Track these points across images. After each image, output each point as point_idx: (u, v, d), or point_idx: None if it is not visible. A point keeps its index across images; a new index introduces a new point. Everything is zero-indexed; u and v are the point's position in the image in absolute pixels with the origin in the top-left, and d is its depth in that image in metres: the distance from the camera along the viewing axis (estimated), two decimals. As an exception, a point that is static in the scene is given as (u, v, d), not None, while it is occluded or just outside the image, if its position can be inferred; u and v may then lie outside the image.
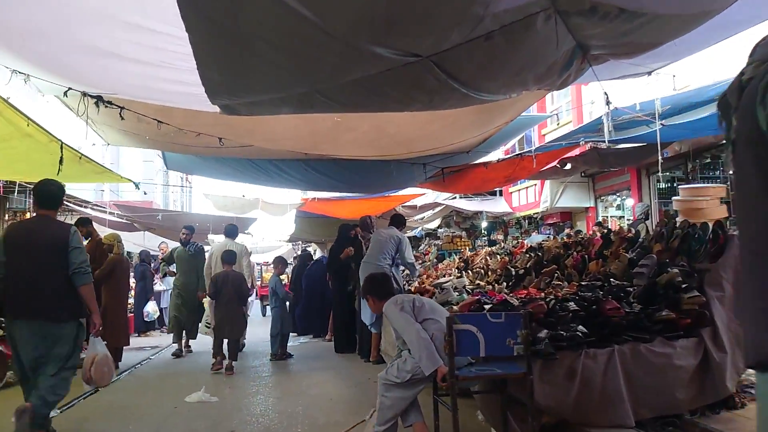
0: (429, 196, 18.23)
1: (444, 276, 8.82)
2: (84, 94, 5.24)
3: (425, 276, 9.93)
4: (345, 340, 8.18)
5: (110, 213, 16.32)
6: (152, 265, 13.65)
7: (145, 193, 19.71)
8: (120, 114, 5.63)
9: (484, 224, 18.72)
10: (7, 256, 4.24)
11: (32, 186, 13.31)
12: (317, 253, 18.96)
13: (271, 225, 16.05)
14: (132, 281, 15.84)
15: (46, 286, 4.21)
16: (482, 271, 7.37)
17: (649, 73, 6.10)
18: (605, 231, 7.05)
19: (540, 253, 6.36)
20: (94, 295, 4.49)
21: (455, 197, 17.94)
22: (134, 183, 8.60)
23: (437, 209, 16.89)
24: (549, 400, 3.58)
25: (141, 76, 3.96)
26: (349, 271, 8.38)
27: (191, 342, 9.22)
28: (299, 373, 6.96)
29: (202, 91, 4.00)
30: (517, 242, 9.77)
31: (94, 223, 12.36)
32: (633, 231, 5.66)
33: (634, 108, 7.44)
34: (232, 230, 9.48)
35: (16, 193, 13.63)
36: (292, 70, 3.80)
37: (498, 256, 7.68)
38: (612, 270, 4.79)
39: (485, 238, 18.18)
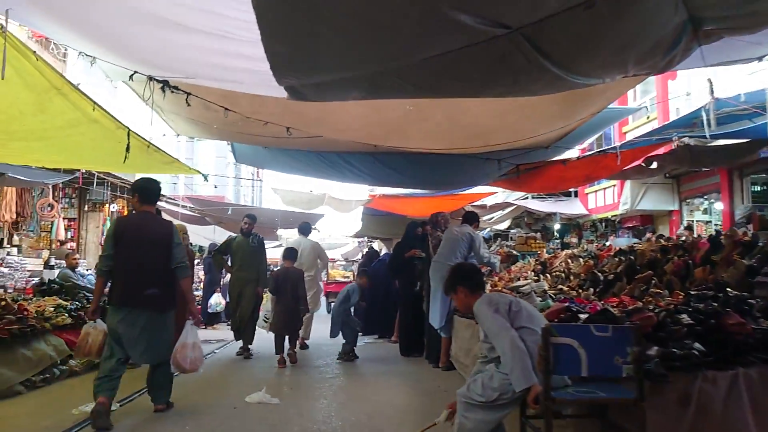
0: (499, 195, 17.53)
1: (519, 279, 8.23)
2: (150, 78, 5.02)
3: (497, 278, 9.37)
4: (412, 343, 7.72)
5: (183, 206, 16.54)
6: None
7: (215, 186, 20.03)
8: (186, 100, 5.38)
9: (556, 226, 17.82)
10: (116, 248, 4.61)
11: (108, 178, 13.52)
12: (383, 250, 18.62)
13: (338, 221, 15.82)
14: (201, 274, 16.02)
15: (155, 277, 4.61)
16: (563, 275, 6.74)
17: (760, 59, 5.32)
18: (714, 233, 6.22)
19: (632, 257, 5.68)
20: (192, 287, 5.09)
21: (527, 197, 17.15)
22: (202, 174, 8.44)
23: (508, 210, 16.17)
24: (657, 430, 2.99)
25: (203, 50, 3.63)
26: (414, 270, 7.92)
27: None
28: (364, 377, 6.56)
29: (267, 68, 3.63)
30: (603, 244, 8.98)
31: (168, 216, 12.48)
32: (749, 234, 4.91)
33: (738, 98, 6.62)
34: (305, 227, 9.68)
35: (95, 185, 13.98)
36: (363, 41, 3.37)
37: (580, 259, 7.02)
38: (725, 278, 4.11)
39: (557, 240, 17.28)
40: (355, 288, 7.76)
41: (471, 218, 7.04)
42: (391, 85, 4.36)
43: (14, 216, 11.80)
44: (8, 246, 9.10)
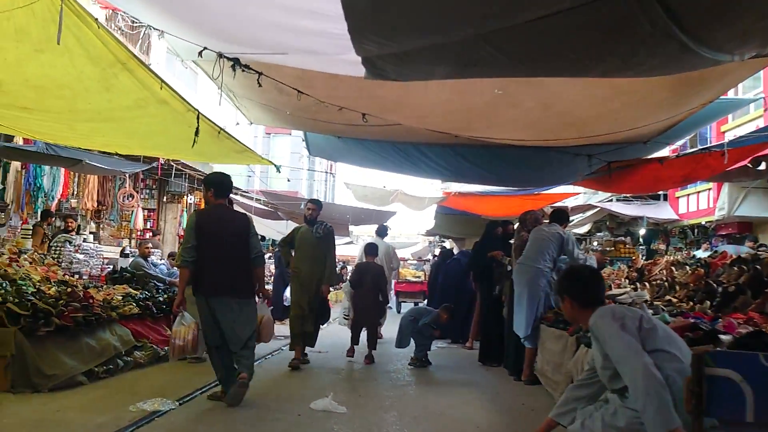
0: (579, 197, 16.47)
1: (610, 287, 7.41)
2: (220, 56, 4.63)
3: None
4: (491, 351, 7.04)
5: (256, 200, 16.47)
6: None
7: (288, 180, 19.93)
8: (258, 81, 4.95)
9: (642, 231, 16.52)
10: (199, 240, 4.72)
11: (186, 170, 13.52)
12: (454, 249, 17.92)
13: (409, 219, 15.35)
14: (273, 267, 15.85)
15: (238, 267, 4.83)
16: (665, 284, 5.90)
17: None
18: None
19: (757, 266, 4.80)
20: (264, 275, 5.31)
21: (611, 199, 16.02)
22: (275, 165, 8.11)
23: (589, 213, 15.11)
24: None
25: (273, 7, 3.15)
26: (493, 273, 7.23)
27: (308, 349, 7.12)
28: (439, 387, 5.97)
29: (345, 29, 3.10)
30: (715, 251, 7.98)
31: (241, 209, 12.36)
32: None
33: None
34: (383, 230, 10.55)
35: (173, 176, 14.07)
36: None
37: (687, 267, 6.14)
38: None
39: (642, 247, 16.01)
40: (429, 314, 7.04)
41: (560, 217, 6.29)
42: (484, 58, 3.74)
43: (95, 204, 11.96)
44: (84, 233, 9.09)
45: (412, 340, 7.07)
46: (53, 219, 10.15)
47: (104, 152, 10.15)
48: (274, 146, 25.06)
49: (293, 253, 7.07)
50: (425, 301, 12.98)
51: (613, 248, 12.16)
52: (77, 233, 8.75)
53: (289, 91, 5.43)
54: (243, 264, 4.86)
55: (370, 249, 8.06)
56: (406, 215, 14.98)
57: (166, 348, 6.59)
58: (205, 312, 4.72)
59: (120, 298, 6.53)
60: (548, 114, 5.64)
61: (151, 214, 15.33)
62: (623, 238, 14.20)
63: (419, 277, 15.61)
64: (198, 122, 5.25)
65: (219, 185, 4.99)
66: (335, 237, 7.37)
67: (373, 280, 7.42)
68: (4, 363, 4.67)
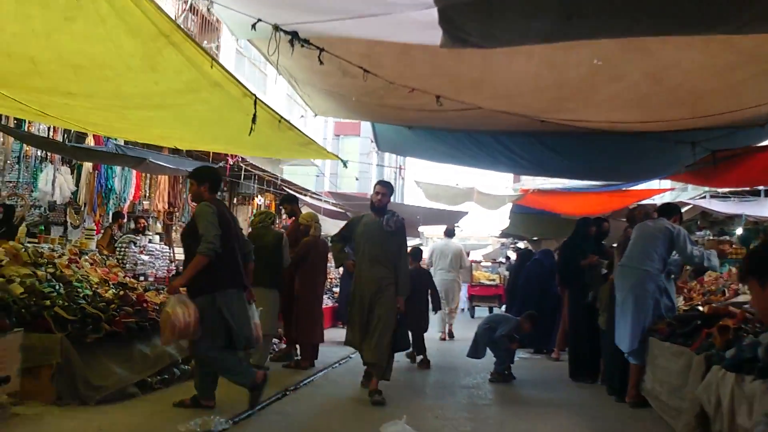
0: (666, 195, 15.05)
1: (723, 292, 6.35)
2: (276, 28, 4.03)
3: (685, 289, 7.49)
4: (583, 366, 6.12)
5: (325, 201, 16.05)
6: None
7: (357, 179, 19.50)
8: (319, 58, 4.32)
9: (738, 231, 14.87)
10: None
11: (255, 171, 13.23)
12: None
13: (481, 219, 14.53)
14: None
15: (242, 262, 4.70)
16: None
17: None
18: None
19: None
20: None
21: (704, 196, 14.51)
22: (341, 160, 7.50)
23: (684, 209, 13.67)
24: None
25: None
26: (584, 276, 6.29)
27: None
28: (526, 408, 5.15)
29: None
30: None
31: (310, 211, 11.92)
32: None
33: None
34: (451, 231, 10.65)
35: (242, 178, 13.83)
36: None
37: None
38: None
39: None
40: (507, 324, 6.18)
41: (669, 210, 5.33)
42: (594, 11, 2.95)
43: (166, 206, 11.82)
44: (150, 234, 8.83)
45: (488, 350, 6.26)
46: (124, 220, 9.97)
47: (173, 152, 9.95)
48: (343, 147, 24.75)
49: (349, 251, 5.71)
50: (503, 307, 12.05)
51: (716, 249, 10.79)
52: (143, 234, 8.48)
53: (354, 72, 4.77)
54: (243, 260, 4.75)
55: (416, 254, 7.81)
56: (477, 216, 14.18)
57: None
58: (213, 310, 4.33)
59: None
60: (657, 89, 4.72)
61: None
62: (728, 237, 12.74)
63: (494, 280, 14.68)
64: (255, 108, 4.68)
65: (214, 179, 4.71)
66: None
67: (421, 287, 7.19)
68: (49, 372, 4.23)
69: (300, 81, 5.67)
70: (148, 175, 11.22)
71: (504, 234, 18.17)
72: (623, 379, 5.11)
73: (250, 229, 7.26)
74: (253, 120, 4.74)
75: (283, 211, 7.36)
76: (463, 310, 15.77)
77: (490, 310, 14.61)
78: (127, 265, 7.64)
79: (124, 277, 6.55)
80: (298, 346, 6.73)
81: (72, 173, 9.69)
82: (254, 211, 15.47)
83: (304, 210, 8.63)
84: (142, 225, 8.48)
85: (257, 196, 15.57)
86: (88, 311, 4.57)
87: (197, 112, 4.88)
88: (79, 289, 5.26)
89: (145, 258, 7.94)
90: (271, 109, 5.10)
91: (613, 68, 4.42)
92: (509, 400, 5.35)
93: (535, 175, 10.58)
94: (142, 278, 7.89)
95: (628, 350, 4.87)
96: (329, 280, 14.40)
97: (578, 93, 4.84)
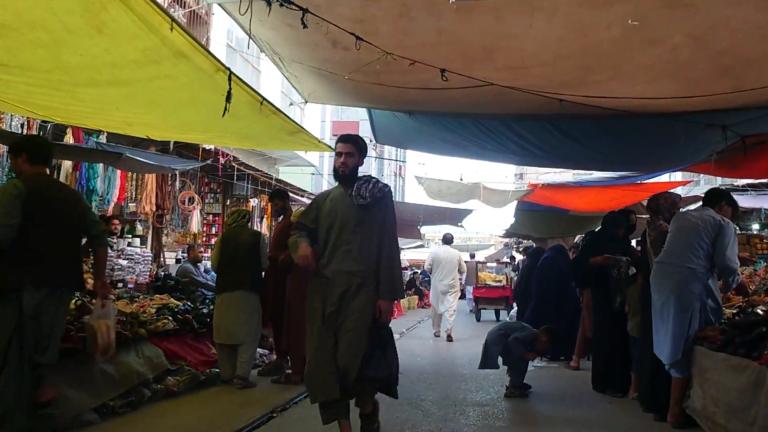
0: (678, 189, 14.31)
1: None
2: (247, -17, 3.33)
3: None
4: (610, 375, 5.38)
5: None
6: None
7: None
8: (303, 20, 3.61)
9: (755, 226, 14.15)
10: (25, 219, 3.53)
11: (248, 170, 12.51)
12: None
13: (485, 219, 13.80)
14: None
15: (69, 252, 3.81)
16: None
17: None
18: None
19: None
20: (106, 259, 4.32)
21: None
22: (333, 150, 6.79)
23: (694, 205, 12.94)
24: None
25: None
26: (609, 276, 5.55)
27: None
28: (551, 428, 4.41)
29: None
30: None
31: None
32: None
33: None
34: (449, 238, 10.83)
35: (235, 179, 13.12)
36: None
37: None
38: None
39: (757, 243, 13.62)
40: (523, 330, 5.40)
41: (718, 196, 4.53)
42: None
43: (154, 208, 11.10)
44: (129, 236, 8.11)
45: (500, 360, 5.51)
46: (107, 224, 9.25)
47: (162, 151, 9.22)
48: (342, 148, 24.03)
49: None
50: (513, 311, 11.26)
51: (746, 243, 10.08)
52: (120, 236, 7.76)
53: (346, 41, 4.08)
54: (74, 250, 3.82)
55: None
56: (479, 215, 13.46)
57: (208, 371, 5.40)
58: (13, 315, 3.36)
59: (153, 311, 5.36)
60: (700, 55, 3.99)
61: (216, 218, 14.52)
62: (758, 232, 12.01)
63: (500, 281, 13.94)
64: (230, 84, 3.97)
65: (33, 147, 3.74)
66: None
67: None
68: (-18, 401, 3.50)
69: (285, 58, 4.95)
70: (134, 175, 10.54)
71: (508, 233, 17.44)
72: (662, 394, 4.37)
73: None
74: (228, 98, 4.04)
75: (273, 208, 6.61)
76: (471, 311, 15.08)
77: (497, 312, 13.87)
78: (102, 272, 6.92)
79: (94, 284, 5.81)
80: (289, 358, 6.01)
81: (52, 174, 9.02)
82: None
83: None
84: (115, 226, 7.74)
85: (252, 198, 14.87)
86: (34, 325, 3.84)
87: (163, 92, 4.17)
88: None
89: (123, 263, 7.21)
90: (250, 87, 4.39)
91: (650, 29, 3.71)
92: (530, 420, 4.61)
93: (549, 167, 9.82)
94: (120, 285, 7.19)
95: (671, 362, 4.13)
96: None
97: (607, 61, 4.11)
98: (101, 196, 9.65)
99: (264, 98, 4.58)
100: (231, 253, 5.63)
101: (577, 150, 6.42)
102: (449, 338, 9.81)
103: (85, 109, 4.29)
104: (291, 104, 6.61)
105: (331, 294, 3.43)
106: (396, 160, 26.75)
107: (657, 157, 6.84)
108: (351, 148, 3.61)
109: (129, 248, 7.65)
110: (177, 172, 11.57)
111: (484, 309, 13.73)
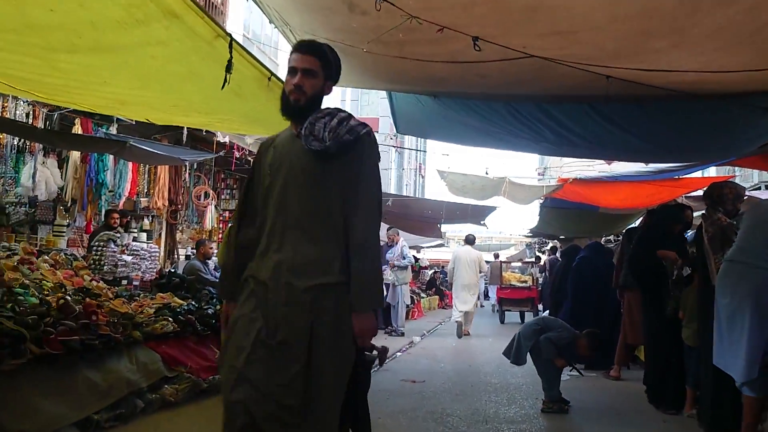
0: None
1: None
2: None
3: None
4: (666, 390, 4.71)
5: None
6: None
7: None
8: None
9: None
10: None
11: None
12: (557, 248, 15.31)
13: (506, 218, 13.18)
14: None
15: None
16: None
17: None
18: None
19: None
20: None
21: (758, 186, 12.98)
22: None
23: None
24: None
25: None
26: (661, 278, 4.88)
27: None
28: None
29: None
30: None
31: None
32: None
33: None
34: (471, 239, 11.14)
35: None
36: None
37: None
38: None
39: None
40: (562, 332, 4.72)
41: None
42: None
43: (166, 203, 10.65)
44: (134, 231, 7.63)
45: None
46: (117, 218, 8.77)
47: (176, 142, 8.75)
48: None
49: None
50: (544, 312, 10.55)
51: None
52: (126, 231, 7.28)
53: (364, 4, 3.51)
54: None
55: None
56: (501, 213, 12.84)
57: (211, 378, 4.85)
58: None
59: (152, 311, 4.84)
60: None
61: (232, 215, 14.06)
62: None
63: (526, 281, 13.24)
64: (231, 52, 3.41)
65: None
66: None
67: None
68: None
69: (296, 29, 4.39)
70: (146, 169, 10.12)
71: (533, 232, 16.72)
72: (728, 415, 3.72)
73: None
74: (228, 68, 3.48)
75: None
76: (496, 311, 14.43)
77: (522, 315, 13.18)
78: (105, 267, 6.45)
79: (91, 280, 5.33)
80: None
81: (61, 166, 8.61)
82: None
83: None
84: (114, 220, 7.25)
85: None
86: (6, 328, 3.33)
87: (155, 62, 3.61)
88: (21, 297, 4.06)
89: (128, 258, 6.73)
90: (256, 59, 3.83)
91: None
92: (573, 441, 3.99)
93: (587, 157, 9.16)
94: (125, 282, 6.71)
95: (746, 379, 3.47)
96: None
97: (671, 24, 3.47)
98: (111, 190, 9.24)
99: (272, 73, 4.02)
100: None
101: (620, 138, 5.75)
102: (467, 333, 10.22)
103: (69, 82, 3.76)
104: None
105: (266, 309, 2.02)
106: (417, 150, 25.88)
107: (707, 147, 6.11)
108: (312, 62, 2.16)
109: (134, 243, 7.16)
110: (188, 166, 11.12)
111: (509, 311, 13.05)
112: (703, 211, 4.50)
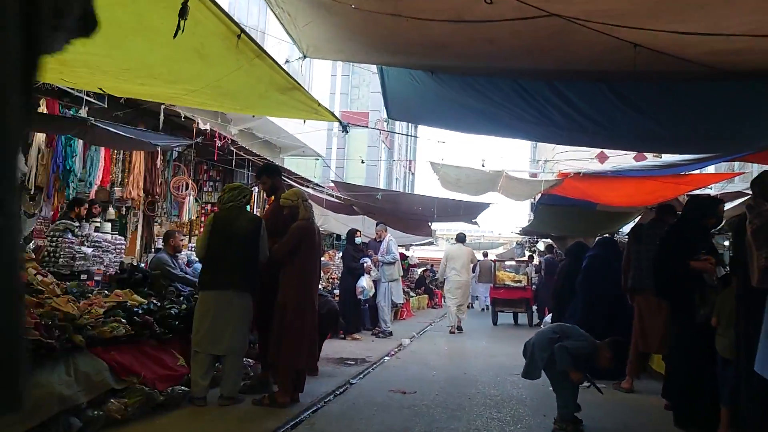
0: (715, 186, 12.96)
1: None
2: None
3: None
4: (696, 409, 4.05)
5: (328, 194, 14.09)
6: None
7: (363, 162, 17.56)
8: None
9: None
10: None
11: (249, 156, 11.27)
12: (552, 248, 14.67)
13: (500, 215, 12.62)
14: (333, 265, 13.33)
15: None
16: None
17: None
18: None
19: None
20: None
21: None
22: (340, 122, 5.56)
23: (737, 202, 11.56)
24: None
25: None
26: (694, 282, 4.20)
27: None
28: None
29: None
30: None
31: (314, 203, 10.00)
32: None
33: None
34: (462, 237, 11.24)
35: (234, 165, 11.89)
36: None
37: None
38: None
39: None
40: (582, 341, 4.01)
41: None
42: None
43: (141, 193, 9.87)
44: (97, 221, 6.87)
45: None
46: (85, 209, 7.97)
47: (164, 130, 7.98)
48: (351, 141, 22.81)
49: None
50: (548, 316, 9.76)
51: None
52: (86, 220, 6.52)
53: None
54: None
55: None
56: (490, 212, 12.24)
57: (170, 389, 4.14)
58: None
59: (101, 311, 4.11)
60: None
61: (215, 208, 13.28)
62: None
63: (520, 281, 12.59)
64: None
65: None
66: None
67: None
68: None
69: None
70: (121, 156, 9.36)
71: (525, 231, 16.10)
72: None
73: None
74: (182, 13, 2.78)
75: (260, 188, 5.37)
76: (483, 309, 13.82)
77: (515, 316, 12.52)
78: (61, 260, 5.69)
79: (36, 274, 4.58)
80: (275, 373, 4.74)
81: (24, 152, 7.84)
82: (253, 202, 13.56)
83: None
84: (82, 211, 6.49)
85: (254, 187, 13.63)
86: None
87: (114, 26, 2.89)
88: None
89: (88, 251, 5.97)
90: (221, 9, 3.12)
91: None
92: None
93: (600, 146, 8.50)
94: (84, 277, 5.96)
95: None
96: (331, 279, 12.40)
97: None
98: (82, 179, 8.48)
99: (242, 29, 3.31)
100: (223, 242, 4.40)
101: (638, 123, 5.10)
102: (460, 329, 10.48)
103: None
104: (287, 61, 5.31)
105: None
106: (408, 135, 25.05)
107: (736, 136, 5.47)
108: None
109: (97, 234, 6.40)
110: (164, 154, 10.38)
111: (502, 311, 12.38)
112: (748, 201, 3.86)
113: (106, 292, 4.90)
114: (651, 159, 10.78)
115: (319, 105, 4.85)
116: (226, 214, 4.56)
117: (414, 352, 7.78)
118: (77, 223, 6.13)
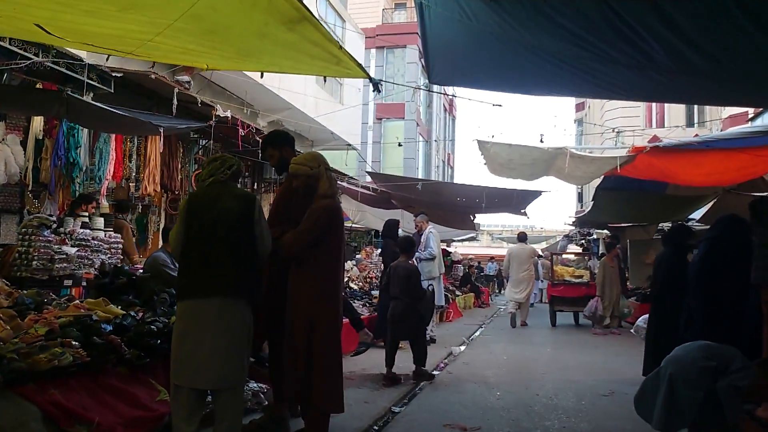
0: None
1: None
2: None
3: None
4: None
5: (363, 186, 12.84)
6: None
7: (399, 144, 16.33)
8: None
9: None
10: None
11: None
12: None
13: (547, 204, 11.29)
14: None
15: None
16: None
17: None
18: None
19: None
20: None
21: None
22: (371, 79, 4.26)
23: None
24: None
25: None
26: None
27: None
28: None
29: None
30: None
31: (347, 198, 8.70)
32: None
33: None
34: (524, 236, 11.66)
35: (261, 157, 10.76)
36: None
37: None
38: None
39: None
40: (737, 360, 2.60)
41: None
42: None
43: (158, 188, 8.83)
44: (84, 216, 5.76)
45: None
46: (93, 207, 6.92)
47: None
48: (386, 131, 21.61)
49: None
50: (640, 319, 7.97)
51: None
52: (71, 215, 5.42)
53: None
54: None
55: (406, 244, 5.98)
56: (555, 195, 11.01)
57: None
58: None
59: (43, 330, 2.93)
60: None
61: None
62: None
63: (581, 276, 11.01)
64: None
65: None
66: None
67: (402, 285, 5.58)
68: None
69: None
70: (134, 149, 8.38)
71: (581, 221, 14.44)
72: None
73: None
74: None
75: (270, 163, 4.13)
76: (532, 304, 12.44)
77: (576, 316, 10.95)
78: (35, 262, 4.57)
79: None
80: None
81: (26, 144, 6.92)
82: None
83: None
84: (83, 208, 5.40)
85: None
86: None
87: None
88: None
89: (71, 251, 4.83)
90: None
91: None
92: None
93: (723, 103, 6.88)
94: (68, 282, 4.87)
95: None
96: (369, 278, 11.12)
97: None
98: (88, 172, 7.52)
99: None
100: (204, 231, 3.08)
101: (697, 64, 3.63)
102: (524, 324, 10.89)
103: None
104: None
105: None
106: (444, 94, 23.42)
107: None
108: None
109: (84, 231, 5.27)
110: (183, 145, 9.35)
111: (561, 311, 10.81)
112: None
113: (78, 302, 3.74)
114: (739, 127, 9.09)
115: (341, 49, 3.55)
116: (204, 192, 3.23)
117: (467, 363, 6.43)
118: (53, 218, 5.02)
